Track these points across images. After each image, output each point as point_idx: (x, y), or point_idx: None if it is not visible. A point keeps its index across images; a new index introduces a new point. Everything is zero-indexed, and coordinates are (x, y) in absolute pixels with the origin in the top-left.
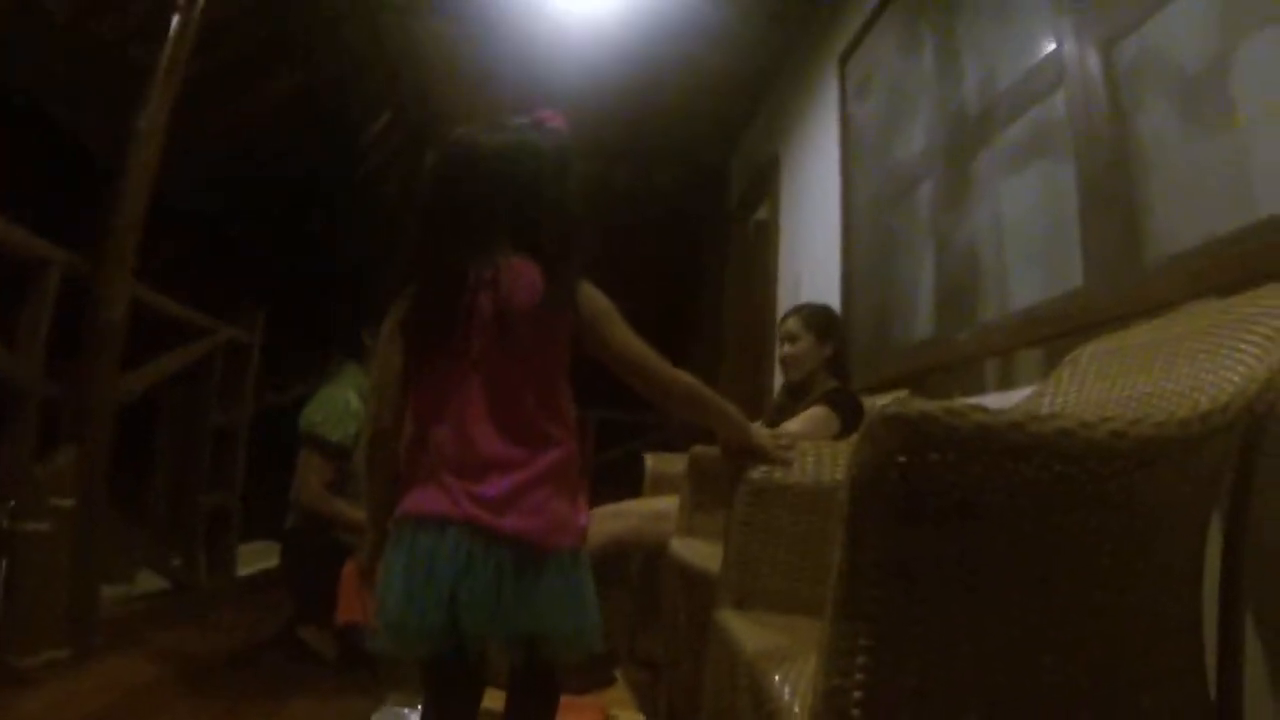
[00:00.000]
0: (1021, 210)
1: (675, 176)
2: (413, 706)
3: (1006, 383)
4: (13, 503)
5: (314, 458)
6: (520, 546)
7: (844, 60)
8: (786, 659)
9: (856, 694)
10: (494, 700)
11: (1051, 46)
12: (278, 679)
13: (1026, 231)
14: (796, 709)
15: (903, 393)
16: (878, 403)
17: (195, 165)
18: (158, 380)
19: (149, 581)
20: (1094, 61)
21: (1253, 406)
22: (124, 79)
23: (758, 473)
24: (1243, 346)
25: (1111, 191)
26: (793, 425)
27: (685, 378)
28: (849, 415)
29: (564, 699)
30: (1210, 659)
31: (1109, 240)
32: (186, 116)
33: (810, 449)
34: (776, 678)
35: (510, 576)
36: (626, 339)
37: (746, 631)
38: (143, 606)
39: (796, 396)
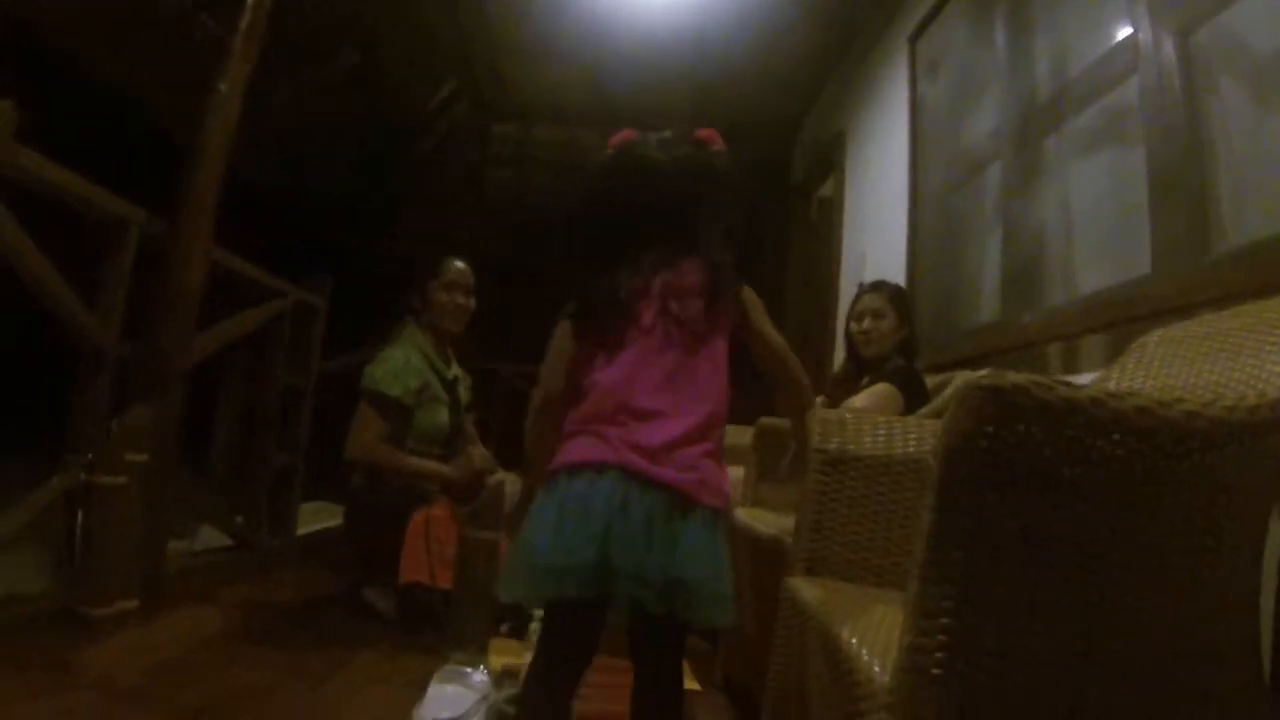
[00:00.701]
0: (1090, 196)
1: (739, 150)
2: (475, 666)
3: (1070, 367)
4: (90, 456)
5: (368, 411)
6: (672, 493)
7: (914, 40)
8: (860, 620)
9: (938, 653)
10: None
11: (1127, 32)
12: (341, 635)
13: (1094, 218)
14: (876, 668)
15: (966, 373)
16: (954, 381)
17: (262, 138)
18: (230, 341)
19: (211, 538)
20: (1169, 48)
21: None
22: (194, 49)
23: (833, 443)
24: None
25: (1182, 180)
26: (858, 400)
27: (805, 377)
28: (913, 393)
29: (609, 660)
30: (1266, 640)
31: (1178, 229)
32: (253, 89)
33: (883, 423)
34: (853, 639)
35: (661, 520)
36: (774, 331)
37: (819, 596)
38: (207, 561)
39: (861, 372)
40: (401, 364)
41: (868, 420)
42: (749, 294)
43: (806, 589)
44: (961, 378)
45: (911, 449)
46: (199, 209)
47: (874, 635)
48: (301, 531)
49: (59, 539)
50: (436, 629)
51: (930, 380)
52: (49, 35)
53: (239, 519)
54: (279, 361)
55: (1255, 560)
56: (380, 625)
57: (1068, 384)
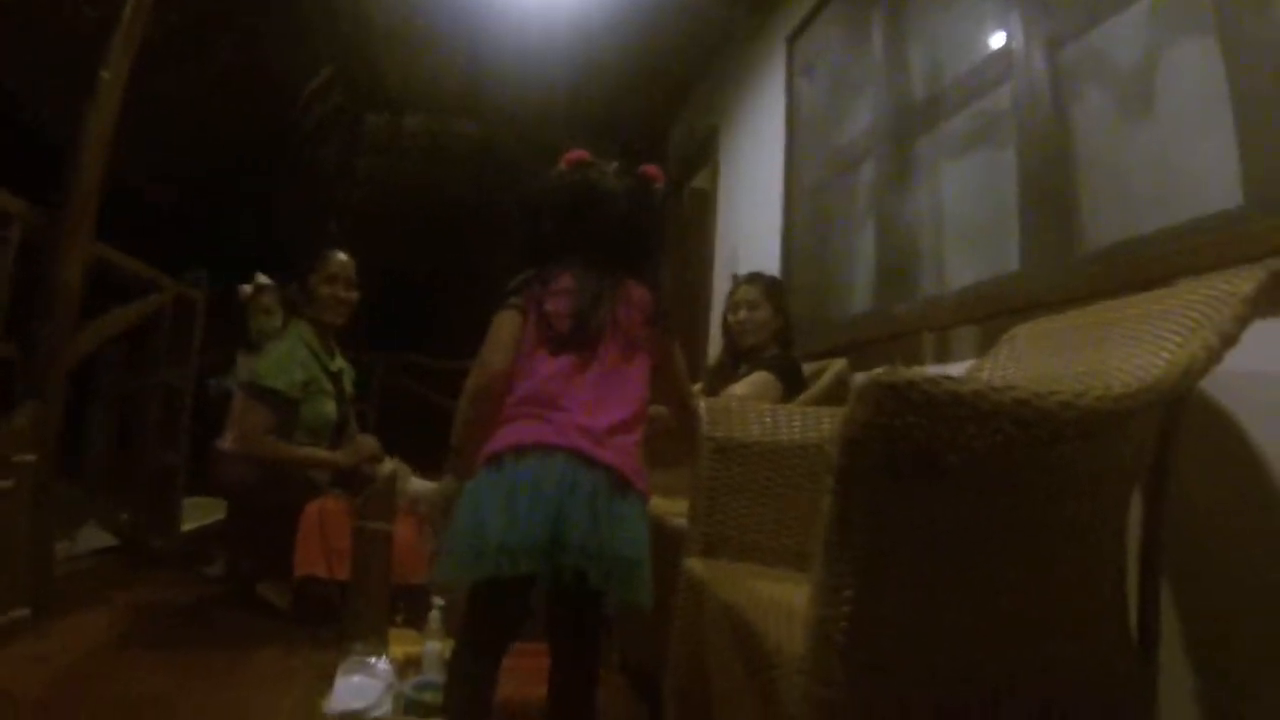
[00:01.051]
0: (962, 195)
1: (613, 142)
2: (377, 655)
3: (943, 356)
4: None
5: (251, 403)
6: (613, 474)
7: (792, 40)
8: (760, 596)
9: (843, 623)
10: None
11: (1001, 42)
12: (238, 632)
13: (966, 216)
14: (782, 637)
15: (841, 361)
16: (831, 368)
17: (135, 131)
18: (110, 335)
19: (93, 538)
20: (1040, 60)
21: (1175, 388)
22: (69, 37)
23: (720, 431)
24: (1167, 335)
25: (1050, 184)
26: (739, 388)
27: (696, 406)
28: (791, 380)
29: (522, 645)
30: (1132, 606)
31: (1045, 230)
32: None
33: (767, 410)
34: (758, 613)
35: (604, 497)
36: (683, 367)
37: (718, 575)
38: (93, 563)
39: (738, 362)
40: (285, 357)
41: (753, 408)
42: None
43: (705, 569)
44: (837, 365)
45: (796, 435)
46: (82, 202)
47: (775, 609)
48: (187, 527)
49: None
50: (333, 621)
51: (807, 368)
52: None
53: (123, 517)
54: (159, 356)
55: (1119, 535)
56: (276, 620)
57: (952, 379)
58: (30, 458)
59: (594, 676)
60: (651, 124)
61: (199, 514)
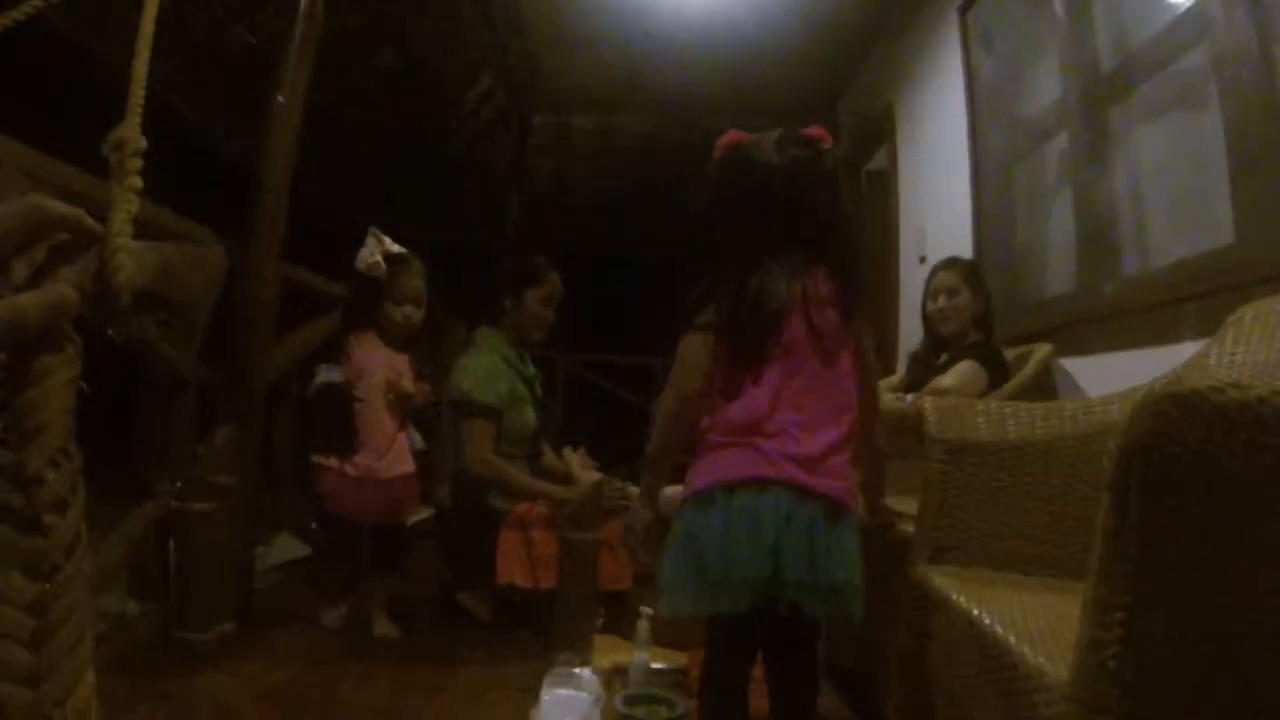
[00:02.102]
0: (1165, 164)
1: (777, 126)
2: (582, 667)
3: (1155, 339)
4: (179, 485)
5: (476, 423)
6: (828, 501)
7: (964, 11)
8: (1006, 611)
9: (1114, 647)
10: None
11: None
12: (441, 643)
13: (1171, 186)
14: (1043, 660)
15: (1045, 346)
16: (1035, 354)
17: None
18: (304, 353)
19: (287, 548)
20: (1242, 14)
21: None
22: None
23: (951, 433)
24: None
25: (1263, 145)
26: (946, 380)
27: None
28: (996, 369)
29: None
30: None
31: (1262, 196)
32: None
33: (993, 408)
34: (1010, 633)
35: (823, 527)
36: (873, 359)
37: (954, 586)
38: (288, 574)
39: (939, 350)
40: (488, 368)
41: (979, 407)
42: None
43: (938, 577)
44: (1041, 351)
45: (1025, 433)
46: (269, 226)
47: (1030, 626)
48: None
49: (148, 568)
50: (535, 631)
51: (1007, 353)
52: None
53: (314, 526)
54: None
55: None
56: (476, 630)
57: (1235, 385)
58: (230, 480)
59: (816, 691)
60: (820, 105)
61: None
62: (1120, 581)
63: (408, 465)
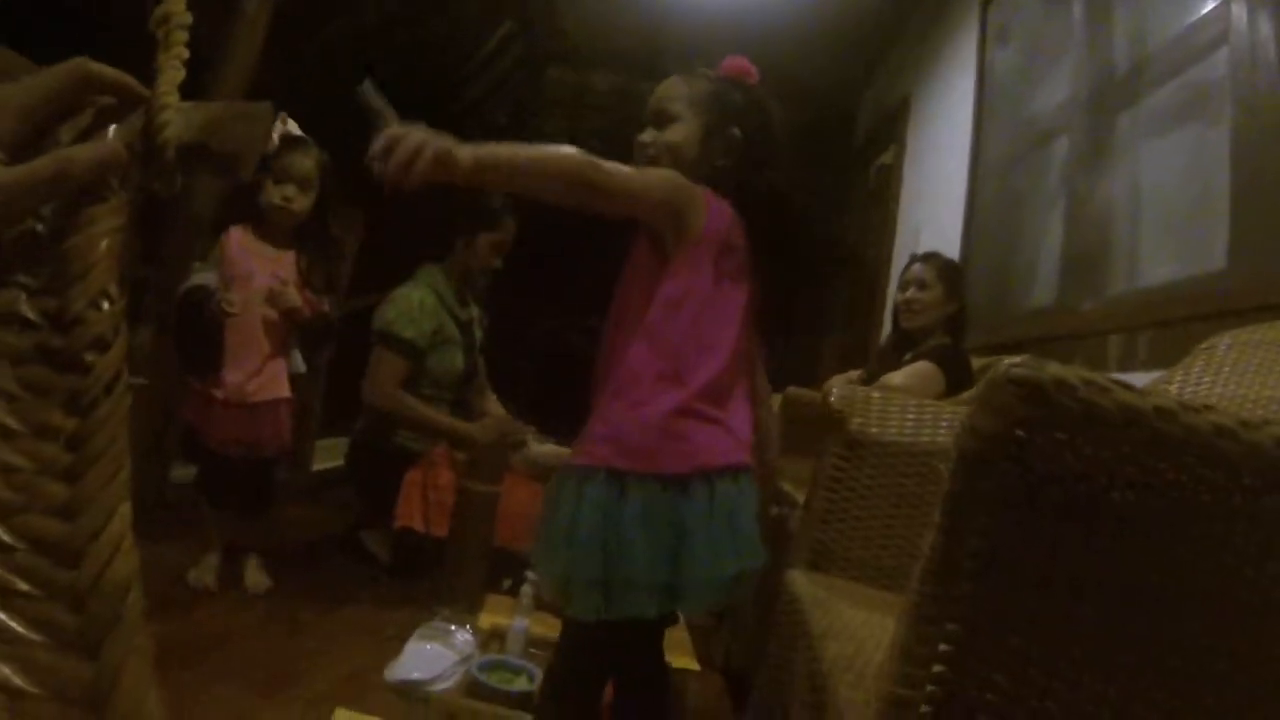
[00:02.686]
0: (1164, 178)
1: (798, 114)
2: (461, 624)
3: (1128, 363)
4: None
5: (385, 354)
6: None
7: (986, 4)
8: (850, 637)
9: (925, 708)
10: None
11: (1216, 2)
12: (334, 581)
13: (1167, 202)
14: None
15: (1014, 359)
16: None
17: (297, 83)
18: None
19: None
20: (1266, 20)
21: None
22: None
23: (854, 423)
24: None
25: (1270, 168)
26: (896, 378)
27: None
28: (956, 375)
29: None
30: None
31: (1262, 221)
32: (281, 38)
33: (914, 406)
34: (833, 664)
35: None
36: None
37: (817, 599)
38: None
39: (904, 346)
40: (415, 305)
41: (897, 402)
42: None
43: (805, 586)
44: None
45: (942, 438)
46: None
47: (857, 659)
48: (318, 467)
49: None
50: (429, 579)
51: (978, 363)
52: None
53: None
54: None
55: None
56: (374, 571)
57: (1126, 385)
58: (142, 380)
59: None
60: (839, 93)
61: (337, 455)
62: (943, 625)
63: (282, 390)
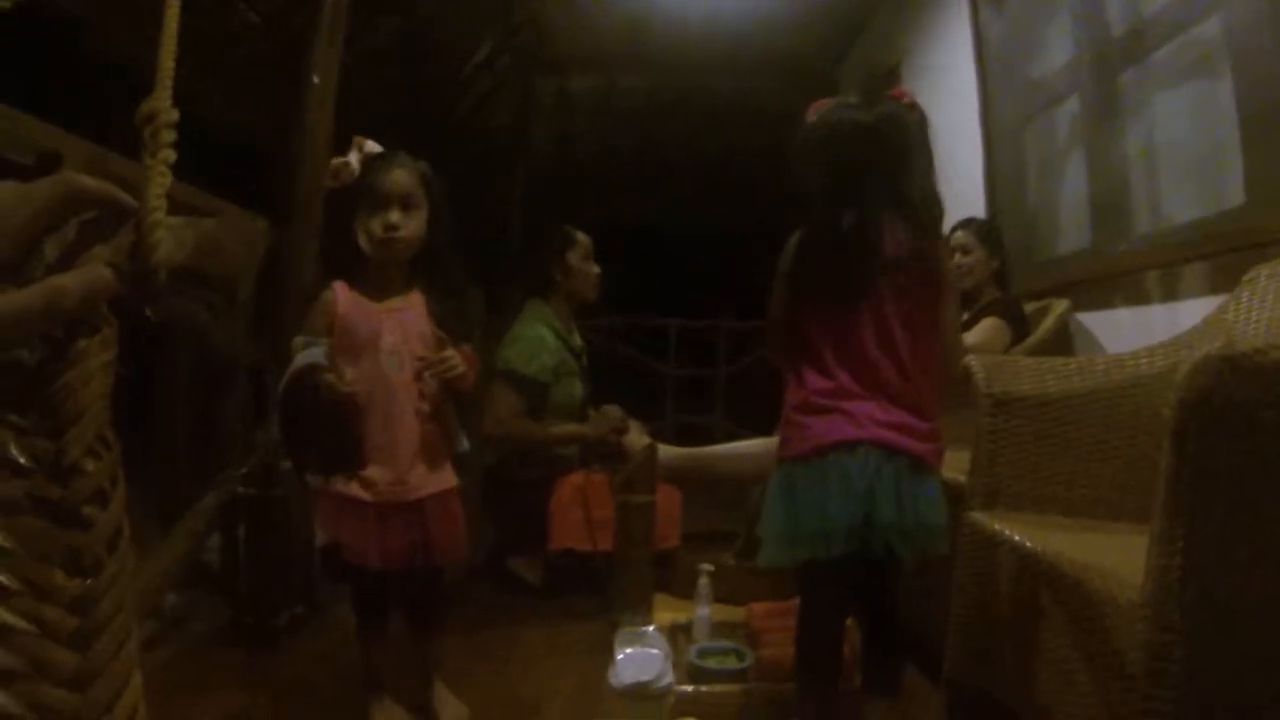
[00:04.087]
0: (1178, 127)
1: (780, 86)
2: (647, 625)
3: (1171, 296)
4: (244, 471)
5: (502, 388)
6: (912, 458)
7: None
8: (1071, 548)
9: (1178, 571)
10: None
11: None
12: (497, 611)
13: (1183, 149)
14: (1116, 589)
15: (1063, 301)
16: (1054, 310)
17: None
18: None
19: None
20: None
21: None
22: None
23: (996, 387)
24: None
25: (1274, 110)
26: (971, 337)
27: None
28: (1018, 324)
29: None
30: None
31: (1272, 160)
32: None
33: (1033, 364)
34: (1084, 568)
35: (907, 478)
36: (955, 314)
37: (1011, 528)
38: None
39: (962, 306)
40: (535, 343)
41: (1021, 363)
42: (949, 265)
43: (993, 521)
44: (1059, 306)
45: (1063, 386)
46: (309, 208)
47: (1086, 559)
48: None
49: (212, 556)
50: (591, 594)
51: (1029, 306)
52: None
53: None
54: None
55: None
56: (529, 596)
57: (1275, 348)
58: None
59: (900, 631)
60: (823, 64)
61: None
62: (1180, 517)
63: (448, 478)
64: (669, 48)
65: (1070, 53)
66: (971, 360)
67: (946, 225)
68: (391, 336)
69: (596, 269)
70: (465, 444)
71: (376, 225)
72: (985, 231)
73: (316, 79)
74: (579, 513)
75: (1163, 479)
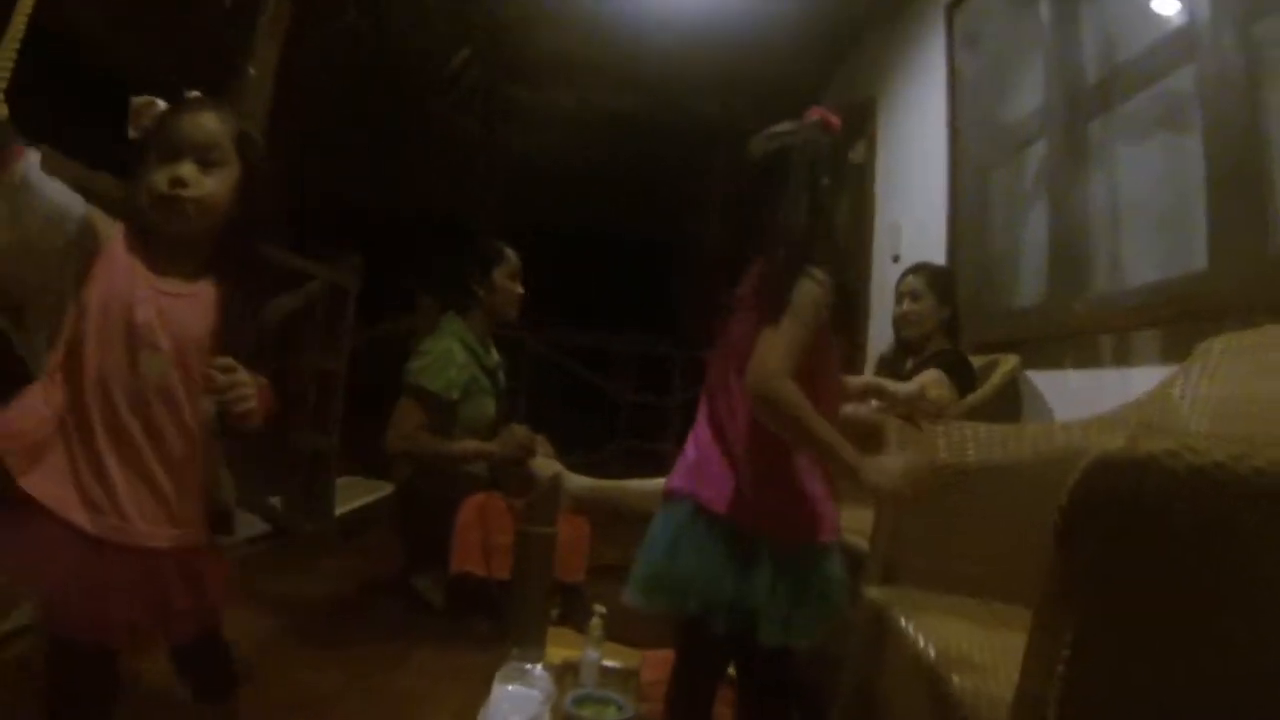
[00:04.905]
0: (1143, 183)
1: (758, 112)
2: (535, 661)
3: (1122, 361)
4: None
5: (408, 403)
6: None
7: (951, 8)
8: (953, 643)
9: (1053, 701)
10: None
11: (1183, 18)
12: (393, 630)
13: (1147, 205)
14: (983, 706)
15: (1012, 358)
16: (1002, 367)
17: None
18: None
19: (244, 525)
20: (1230, 37)
21: None
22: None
23: (908, 451)
24: None
25: (1242, 176)
26: (911, 388)
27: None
28: (963, 378)
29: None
30: None
31: (1238, 224)
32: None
33: (958, 430)
34: (954, 674)
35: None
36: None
37: (903, 609)
38: (246, 552)
39: (907, 354)
40: (443, 357)
41: (939, 429)
42: None
43: (887, 598)
44: (1008, 363)
45: (984, 456)
46: None
47: (971, 660)
48: (341, 510)
49: None
50: (490, 619)
51: (975, 361)
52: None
53: (274, 502)
54: (311, 343)
55: None
56: (430, 616)
57: (1190, 449)
58: None
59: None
60: (804, 91)
61: (359, 493)
62: (1062, 633)
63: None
64: (647, 70)
65: (1042, 97)
66: (888, 421)
67: (901, 267)
68: (157, 326)
69: (520, 289)
70: (229, 497)
71: (161, 179)
72: (936, 277)
73: (253, 71)
74: (478, 535)
75: (1043, 586)
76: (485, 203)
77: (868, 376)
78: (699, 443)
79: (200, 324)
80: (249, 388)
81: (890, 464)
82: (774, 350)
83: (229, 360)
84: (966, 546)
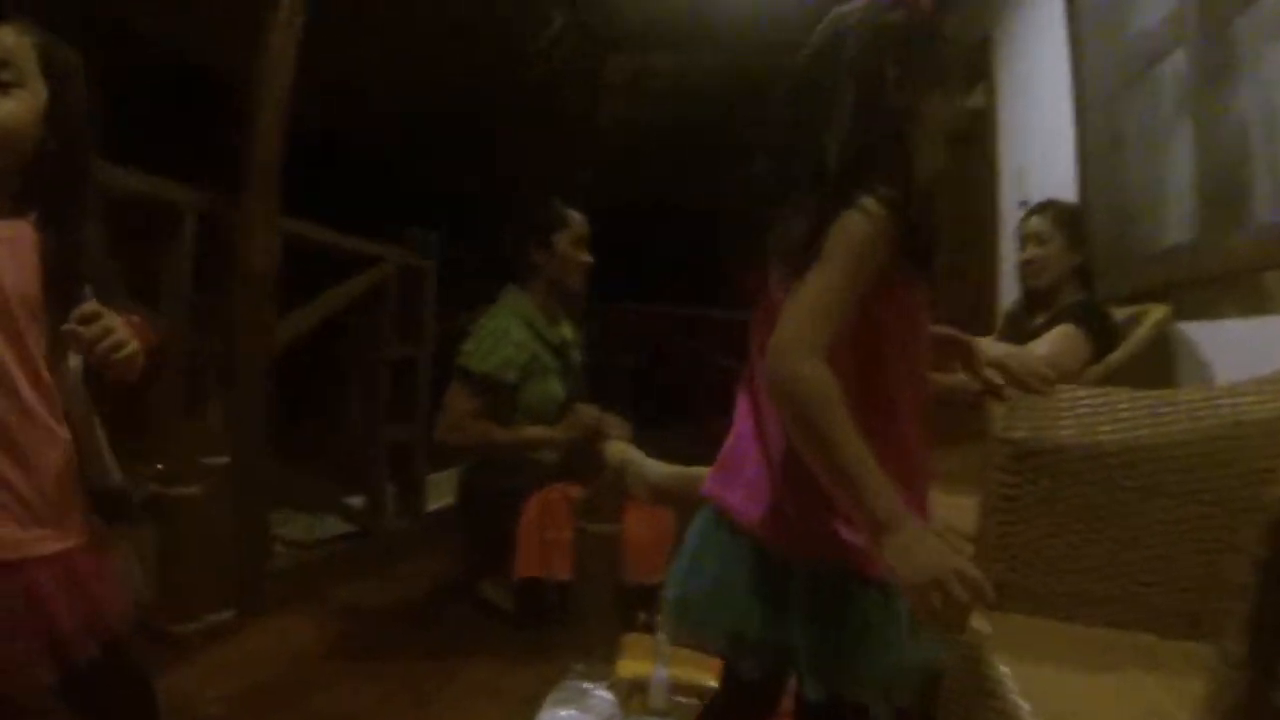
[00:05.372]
0: None
1: None
2: (599, 679)
3: None
4: (160, 467)
5: (456, 388)
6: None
7: None
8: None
9: None
10: None
11: None
12: (455, 639)
13: None
14: None
15: (1161, 308)
16: (1148, 318)
17: (344, 86)
18: (318, 322)
19: (333, 526)
20: None
21: None
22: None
23: (1020, 430)
24: None
25: None
26: (1040, 347)
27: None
28: (1102, 334)
29: None
30: None
31: None
32: (326, 35)
33: (1085, 398)
34: None
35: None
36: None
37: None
38: (322, 556)
39: (1036, 308)
40: (497, 336)
41: (1063, 397)
42: None
43: (988, 640)
44: (1156, 313)
45: (1124, 433)
46: (262, 182)
47: None
48: (434, 506)
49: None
50: (559, 625)
51: (1117, 314)
52: None
53: (357, 502)
54: (386, 330)
55: None
56: (499, 624)
57: None
58: (221, 460)
59: None
60: None
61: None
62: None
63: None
64: (742, 23)
65: (1171, 4)
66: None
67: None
68: None
69: (587, 257)
70: (115, 473)
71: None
72: (1066, 218)
73: (274, 39)
74: (538, 535)
75: (1238, 621)
76: (588, 177)
77: (948, 329)
78: (738, 434)
79: (21, 273)
80: (123, 331)
81: (932, 550)
82: (795, 315)
83: (91, 306)
84: (1099, 558)
